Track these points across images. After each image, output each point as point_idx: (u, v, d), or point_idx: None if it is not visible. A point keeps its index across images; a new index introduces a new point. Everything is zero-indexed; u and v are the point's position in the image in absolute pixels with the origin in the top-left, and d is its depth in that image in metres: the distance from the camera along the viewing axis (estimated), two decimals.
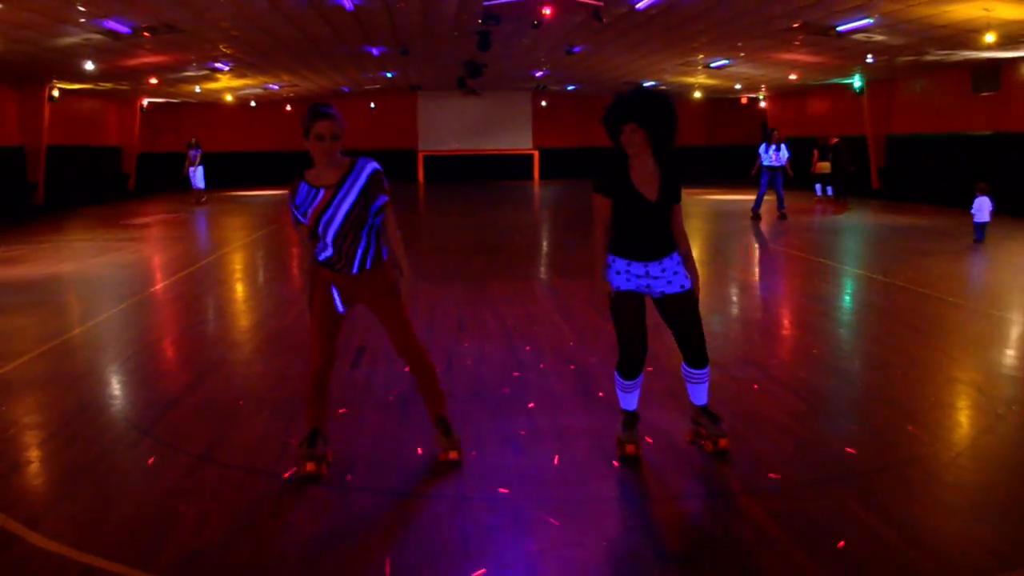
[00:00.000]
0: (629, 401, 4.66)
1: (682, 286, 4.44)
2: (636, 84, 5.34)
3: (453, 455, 4.53)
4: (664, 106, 4.33)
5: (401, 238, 4.46)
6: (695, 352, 4.52)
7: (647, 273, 4.42)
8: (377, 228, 4.37)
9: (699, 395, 4.68)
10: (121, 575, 3.42)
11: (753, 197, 17.91)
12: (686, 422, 5.12)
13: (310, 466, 4.40)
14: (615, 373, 4.62)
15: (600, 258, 4.50)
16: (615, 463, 4.52)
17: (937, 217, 17.69)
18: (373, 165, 4.30)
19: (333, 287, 4.37)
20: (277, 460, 4.64)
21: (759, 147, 17.27)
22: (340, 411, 5.36)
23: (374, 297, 4.41)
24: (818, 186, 23.20)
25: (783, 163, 17.10)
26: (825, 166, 22.69)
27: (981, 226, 13.02)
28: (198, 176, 24.23)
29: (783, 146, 17.12)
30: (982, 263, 11.51)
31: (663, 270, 4.43)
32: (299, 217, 4.31)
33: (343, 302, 4.40)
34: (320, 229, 4.27)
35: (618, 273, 4.45)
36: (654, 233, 4.40)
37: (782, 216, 17.17)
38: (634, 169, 4.39)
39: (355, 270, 4.32)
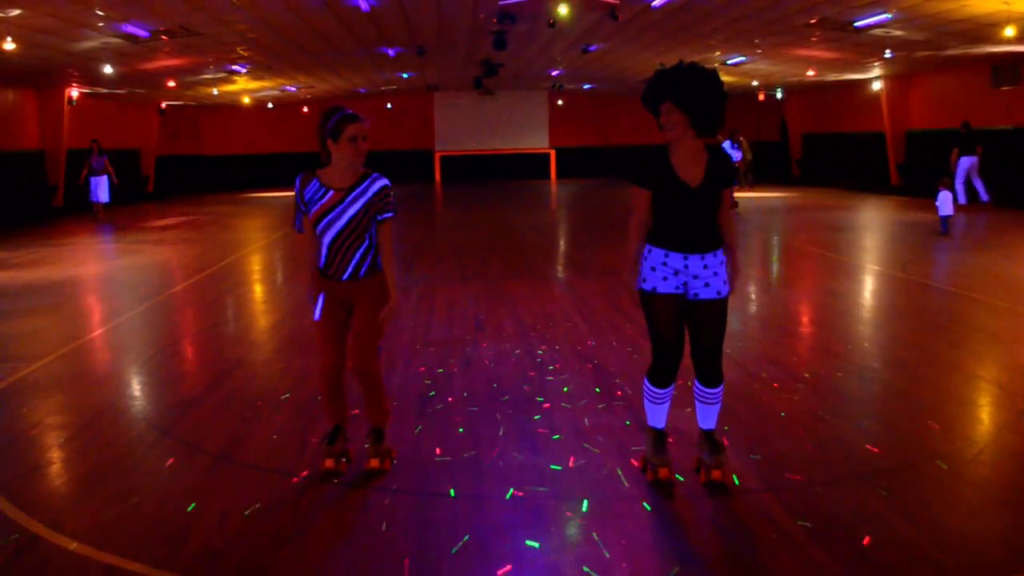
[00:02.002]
0: (658, 416, 4.27)
1: (718, 292, 4.05)
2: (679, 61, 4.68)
3: (374, 463, 4.47)
4: (705, 83, 3.89)
5: (394, 262, 4.48)
6: (711, 369, 4.14)
7: (686, 268, 4.02)
8: (375, 243, 4.39)
9: (707, 418, 4.27)
10: (142, 575, 3.44)
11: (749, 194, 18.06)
12: None
13: (328, 463, 4.44)
14: (644, 381, 4.26)
15: (631, 258, 4.16)
16: (648, 477, 4.27)
17: (958, 213, 17.52)
18: (384, 181, 4.36)
19: (321, 295, 4.38)
20: (297, 460, 4.66)
21: (724, 144, 18.75)
22: (354, 412, 5.37)
23: (359, 299, 4.39)
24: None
25: (739, 160, 19.48)
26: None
27: (945, 219, 13.53)
28: (101, 187, 20.43)
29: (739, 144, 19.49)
30: (1005, 260, 11.40)
31: (704, 267, 4.02)
32: (299, 219, 4.39)
33: (329, 307, 4.37)
34: (319, 229, 4.30)
35: (653, 269, 4.06)
36: (697, 223, 4.01)
37: (733, 204, 17.64)
38: (675, 154, 4.00)
39: (346, 276, 4.33)
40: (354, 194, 4.28)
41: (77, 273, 12.02)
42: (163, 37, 15.18)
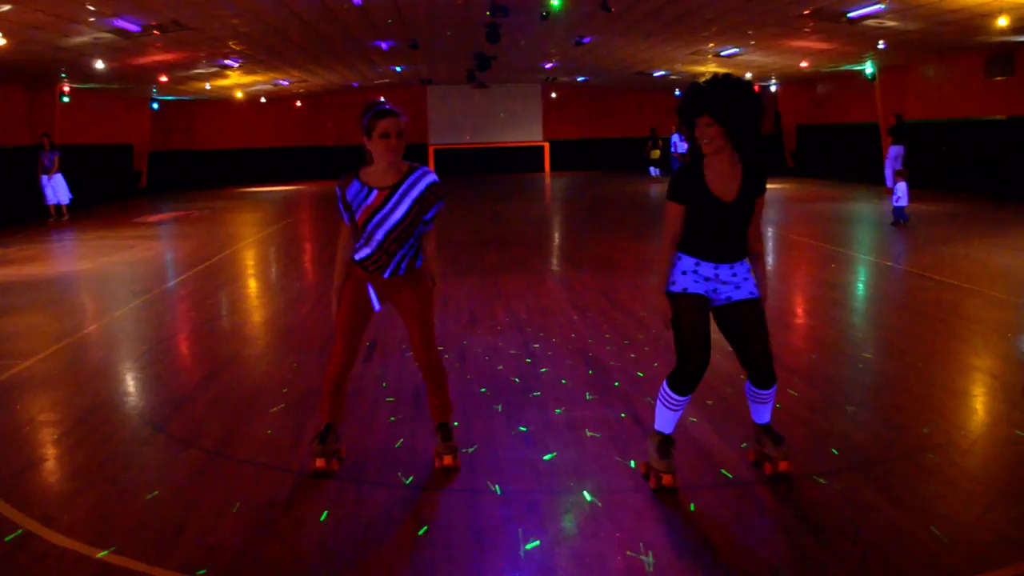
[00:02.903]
0: (669, 422, 4.16)
1: (751, 292, 4.04)
2: (714, 75, 4.58)
3: (448, 460, 4.39)
4: (743, 97, 3.86)
5: (437, 248, 4.44)
6: (763, 370, 4.04)
7: (716, 276, 4.01)
8: (419, 242, 4.33)
9: (762, 414, 4.22)
10: (136, 571, 3.43)
11: None
12: (697, 412, 5.11)
13: (320, 462, 4.37)
14: (664, 386, 4.12)
15: (663, 273, 4.09)
16: (654, 482, 4.15)
17: (950, 203, 17.56)
18: (432, 177, 4.25)
19: (370, 285, 4.30)
20: (291, 455, 4.65)
21: (672, 136, 20.64)
22: (353, 407, 5.36)
23: (404, 299, 4.34)
24: (652, 168, 28.44)
25: (685, 151, 20.50)
26: (656, 153, 28.63)
27: (900, 210, 13.85)
28: (57, 187, 19.03)
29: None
30: (997, 250, 11.42)
31: (733, 275, 4.02)
32: (347, 218, 4.28)
33: (355, 301, 4.33)
34: (369, 229, 4.20)
35: (684, 273, 4.03)
36: (730, 236, 4.00)
37: None
38: (710, 167, 3.97)
39: (387, 275, 4.27)
40: (400, 191, 4.18)
41: (71, 269, 11.99)
42: (155, 32, 15.12)
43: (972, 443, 4.62)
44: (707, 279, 4.02)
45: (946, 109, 21.07)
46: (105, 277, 11.34)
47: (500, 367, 6.27)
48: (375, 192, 4.18)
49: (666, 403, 4.13)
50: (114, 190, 25.96)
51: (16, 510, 3.99)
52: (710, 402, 5.31)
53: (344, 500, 4.09)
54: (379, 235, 4.19)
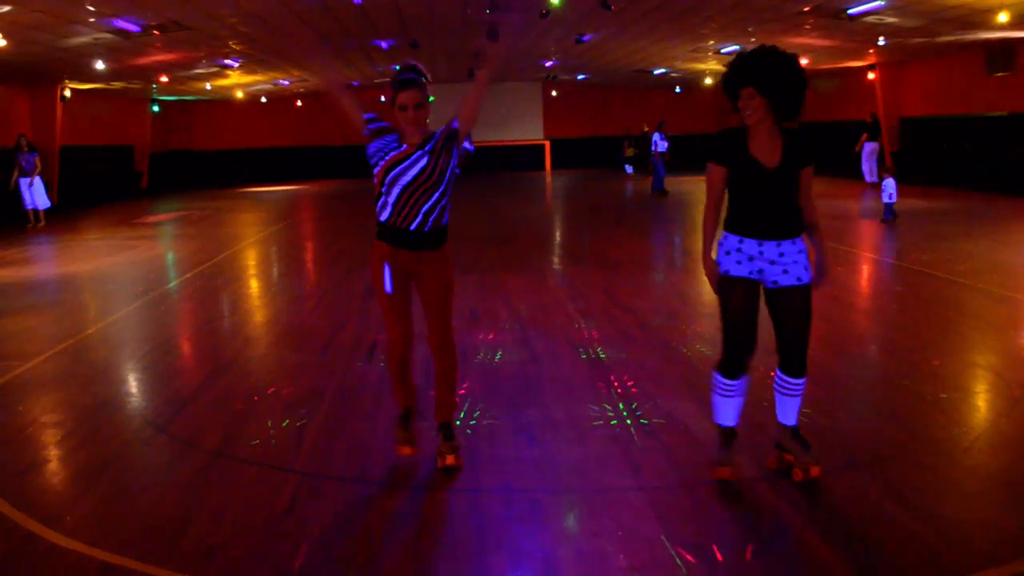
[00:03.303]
0: (727, 412, 4.13)
1: (799, 278, 3.92)
2: (760, 46, 4.65)
3: (451, 460, 4.33)
4: (786, 67, 3.85)
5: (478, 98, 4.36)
6: (794, 359, 4.00)
7: (761, 254, 3.92)
8: (445, 201, 4.26)
9: (788, 412, 4.11)
10: (138, 571, 3.44)
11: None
12: (701, 409, 5.10)
13: (406, 449, 4.32)
14: (713, 374, 4.13)
15: (708, 236, 4.08)
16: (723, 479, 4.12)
17: (952, 199, 17.54)
18: (454, 124, 4.26)
19: (386, 264, 4.23)
20: (293, 455, 4.65)
21: (654, 135, 20.98)
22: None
23: (427, 277, 4.27)
24: (627, 167, 30.05)
25: (665, 150, 20.88)
26: (631, 151, 30.11)
27: (889, 206, 13.88)
28: (36, 191, 17.83)
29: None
30: (998, 246, 11.41)
31: (780, 254, 3.92)
32: (373, 159, 4.23)
33: (393, 278, 4.23)
34: (389, 179, 4.16)
35: (728, 253, 3.98)
36: (774, 208, 3.91)
37: (663, 192, 20.48)
38: (753, 138, 3.94)
39: (413, 227, 4.17)
40: (426, 147, 4.19)
41: (72, 270, 11.99)
42: (155, 32, 15.12)
43: (974, 440, 4.61)
44: (751, 258, 3.94)
45: (947, 105, 21.04)
46: (106, 278, 11.34)
47: (501, 364, 6.27)
48: (404, 146, 4.19)
49: (720, 390, 4.12)
50: (115, 191, 25.97)
51: (18, 511, 4.00)
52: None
53: (347, 500, 4.09)
54: (398, 188, 4.15)
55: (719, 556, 3.45)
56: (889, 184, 13.84)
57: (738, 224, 3.98)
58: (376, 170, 4.21)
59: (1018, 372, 5.79)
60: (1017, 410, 5.04)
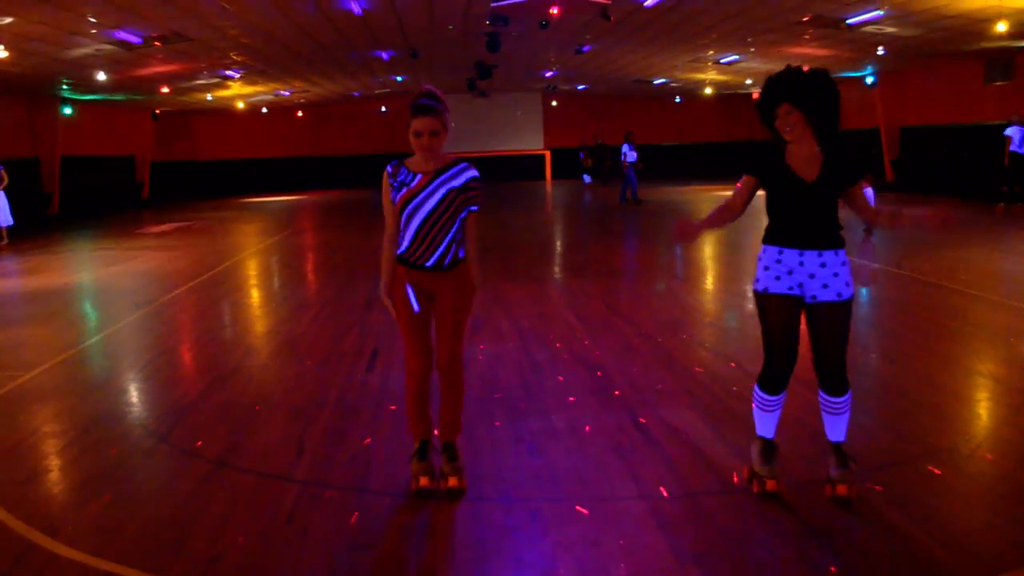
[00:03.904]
0: (767, 425, 4.13)
1: (839, 294, 3.92)
2: (787, 66, 4.09)
3: (453, 482, 4.24)
4: (824, 85, 3.86)
5: (479, 255, 4.36)
6: (833, 376, 3.98)
7: (801, 265, 3.91)
8: (461, 235, 4.26)
9: (835, 429, 4.06)
10: None
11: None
12: (698, 418, 5.11)
13: (424, 481, 4.22)
14: (755, 388, 4.13)
15: (710, 216, 4.17)
16: (755, 489, 4.07)
17: (951, 208, 17.57)
18: (473, 172, 4.24)
19: (408, 285, 4.20)
20: (294, 465, 4.65)
21: (623, 147, 21.54)
22: (355, 416, 5.37)
23: (445, 292, 4.24)
24: (585, 176, 31.40)
25: (634, 159, 21.41)
26: (588, 162, 31.37)
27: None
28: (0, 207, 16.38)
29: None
30: (998, 254, 11.42)
31: (822, 265, 3.91)
32: (393, 197, 4.16)
33: (418, 300, 4.21)
34: (407, 213, 4.14)
35: (767, 268, 3.99)
36: (813, 219, 3.90)
37: (637, 201, 21.12)
38: (791, 152, 3.95)
39: (430, 263, 4.18)
40: (442, 178, 4.15)
41: (73, 280, 12.00)
42: (156, 43, 15.17)
43: (975, 448, 4.61)
44: (790, 271, 3.93)
45: (946, 114, 21.10)
46: (107, 288, 11.36)
47: (501, 374, 6.27)
48: (419, 176, 4.15)
49: (761, 405, 4.12)
50: (116, 201, 26.04)
51: (20, 521, 4.00)
52: (713, 396, 5.31)
53: (347, 510, 4.09)
54: (416, 221, 4.14)
55: (719, 564, 3.45)
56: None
57: (777, 235, 3.98)
58: (395, 201, 4.18)
59: (1019, 379, 5.79)
60: (1018, 417, 5.04)
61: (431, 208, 4.13)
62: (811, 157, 3.93)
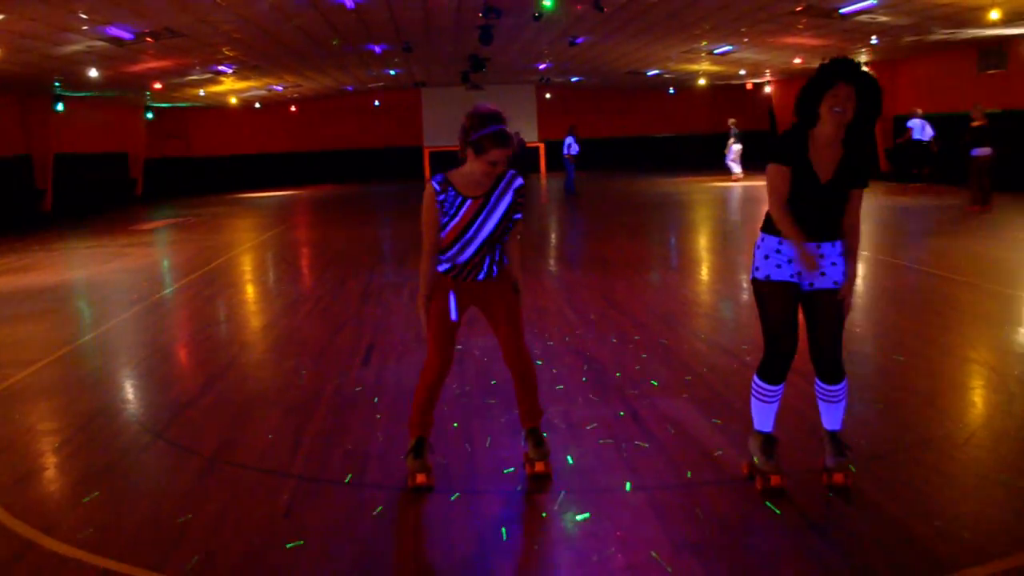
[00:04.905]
0: (766, 418, 4.10)
1: (835, 282, 3.94)
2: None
3: (540, 467, 4.24)
4: (877, 85, 3.83)
5: (521, 260, 4.33)
6: (829, 364, 3.99)
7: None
8: (505, 245, 4.21)
9: (831, 418, 4.09)
10: None
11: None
12: (695, 409, 5.12)
13: (420, 478, 4.20)
14: (754, 379, 4.10)
15: (791, 228, 3.86)
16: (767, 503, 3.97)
17: (945, 197, 17.60)
18: (520, 181, 4.14)
19: (452, 293, 4.15)
20: (290, 460, 4.65)
21: (566, 139, 22.57)
22: (352, 411, 5.37)
23: (494, 301, 4.22)
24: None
25: (576, 152, 22.55)
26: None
27: None
28: None
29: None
30: (991, 243, 11.44)
31: (821, 256, 3.92)
32: (441, 220, 4.04)
33: (459, 309, 4.18)
34: (462, 242, 4.05)
35: (767, 257, 3.97)
36: (817, 215, 3.89)
37: (573, 193, 22.27)
38: (814, 143, 3.88)
39: (480, 278, 4.14)
40: (493, 199, 4.05)
41: (67, 278, 11.98)
42: (148, 39, 15.12)
43: (970, 436, 4.62)
44: (790, 260, 3.93)
45: (939, 103, 21.11)
46: (102, 285, 11.33)
47: (497, 367, 6.26)
48: (468, 203, 4.02)
49: (759, 396, 4.09)
50: (110, 198, 25.98)
51: (16, 519, 3.99)
52: (709, 388, 5.31)
53: (344, 505, 4.09)
54: (469, 251, 4.06)
55: (717, 555, 3.46)
56: None
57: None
58: (443, 233, 4.07)
59: (1013, 368, 5.81)
60: (1013, 406, 5.05)
61: (485, 237, 4.06)
62: (832, 154, 3.88)
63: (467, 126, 3.99)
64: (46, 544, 3.74)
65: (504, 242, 4.18)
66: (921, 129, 19.73)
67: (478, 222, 4.04)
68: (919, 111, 20.03)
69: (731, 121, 25.59)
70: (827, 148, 3.88)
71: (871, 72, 3.88)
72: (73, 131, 23.46)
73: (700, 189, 22.45)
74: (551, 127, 33.58)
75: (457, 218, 4.03)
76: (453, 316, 4.15)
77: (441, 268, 4.16)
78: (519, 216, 4.18)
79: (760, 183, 18.66)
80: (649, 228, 15.36)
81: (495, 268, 4.17)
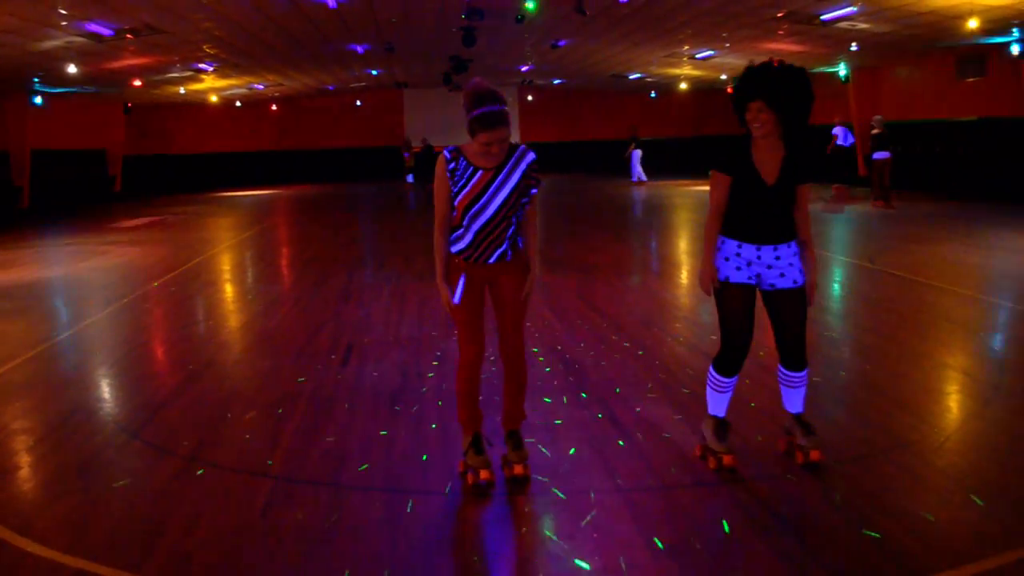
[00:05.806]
0: (720, 405, 4.33)
1: (795, 281, 4.12)
2: (768, 59, 4.23)
3: (519, 469, 4.21)
4: (798, 84, 3.92)
5: (537, 234, 4.27)
6: (793, 353, 4.21)
7: (759, 259, 4.10)
8: (520, 223, 4.15)
9: (794, 402, 4.35)
10: None
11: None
12: (673, 412, 5.14)
13: (485, 474, 4.15)
14: (710, 369, 4.33)
15: (710, 242, 4.16)
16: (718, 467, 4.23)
17: (923, 204, 17.76)
18: (532, 155, 4.09)
19: (463, 277, 4.11)
20: (267, 459, 4.63)
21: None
22: (330, 411, 5.34)
23: (506, 282, 4.16)
24: (408, 176, 29.68)
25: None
26: (410, 161, 29.99)
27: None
28: None
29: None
30: (970, 249, 11.55)
31: (777, 258, 4.10)
32: (452, 189, 3.99)
33: (470, 289, 4.12)
34: (470, 215, 3.99)
35: (727, 259, 4.14)
36: (770, 217, 4.06)
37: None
38: (757, 149, 4.04)
39: (492, 260, 4.09)
40: (504, 173, 4.00)
41: (44, 275, 11.87)
42: (128, 36, 15.02)
43: (945, 441, 4.67)
44: (749, 263, 4.12)
45: (918, 110, 21.29)
46: (78, 283, 11.24)
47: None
48: (479, 174, 3.98)
49: (714, 386, 4.32)
50: (88, 195, 25.77)
51: None
52: (687, 390, 5.33)
53: (321, 504, 4.08)
54: (479, 222, 4.00)
55: (694, 557, 3.47)
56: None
57: (736, 230, 4.13)
58: (454, 202, 4.03)
59: (987, 373, 5.87)
60: (987, 410, 5.10)
61: (495, 210, 4.01)
62: (774, 157, 4.05)
63: (464, 104, 3.94)
64: (19, 543, 3.70)
65: (518, 220, 4.12)
66: (844, 136, 21.01)
67: (488, 193, 3.99)
68: (840, 120, 21.37)
69: (632, 126, 27.35)
70: (768, 151, 4.04)
71: (790, 72, 3.92)
72: (51, 127, 23.25)
73: (681, 193, 22.51)
74: (533, 129, 33.61)
75: (467, 188, 3.99)
76: (456, 299, 4.13)
77: (454, 249, 4.12)
78: (535, 191, 4.14)
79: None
80: (629, 231, 15.40)
81: (509, 252, 4.13)
